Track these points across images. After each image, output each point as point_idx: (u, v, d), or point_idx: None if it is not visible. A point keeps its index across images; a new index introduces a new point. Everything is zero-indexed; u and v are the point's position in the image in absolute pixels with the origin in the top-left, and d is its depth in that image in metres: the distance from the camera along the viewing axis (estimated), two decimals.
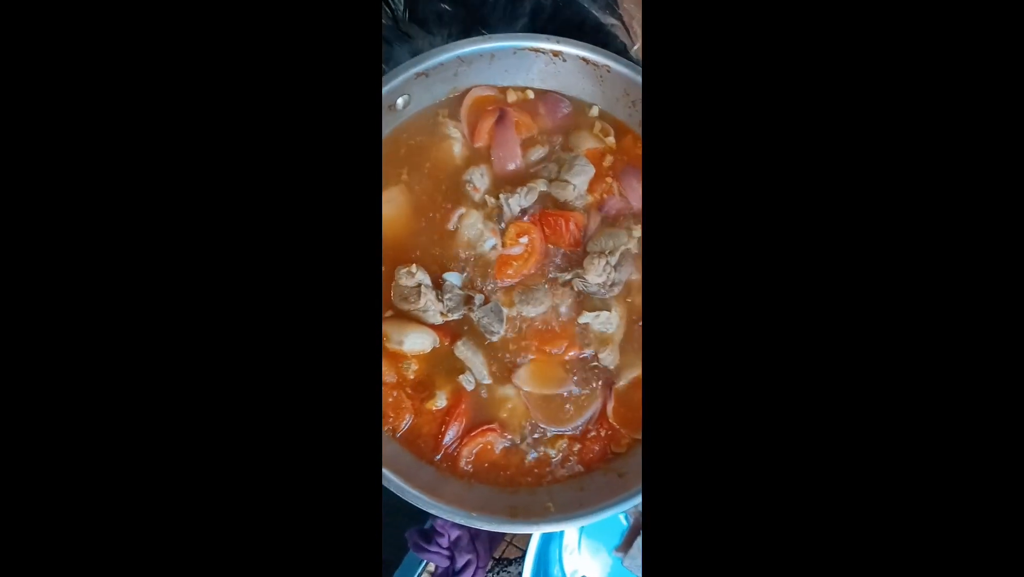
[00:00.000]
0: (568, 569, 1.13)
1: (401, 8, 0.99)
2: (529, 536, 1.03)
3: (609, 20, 0.93)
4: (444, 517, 0.84)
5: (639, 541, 1.13)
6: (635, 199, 1.00)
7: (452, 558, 1.11)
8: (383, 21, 0.96)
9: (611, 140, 1.01)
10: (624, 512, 1.14)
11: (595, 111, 1.02)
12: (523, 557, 1.05)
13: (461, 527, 1.09)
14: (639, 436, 0.94)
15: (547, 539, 1.12)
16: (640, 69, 0.96)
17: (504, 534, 1.16)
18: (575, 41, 0.95)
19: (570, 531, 1.13)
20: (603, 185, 0.98)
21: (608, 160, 1.00)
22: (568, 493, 0.89)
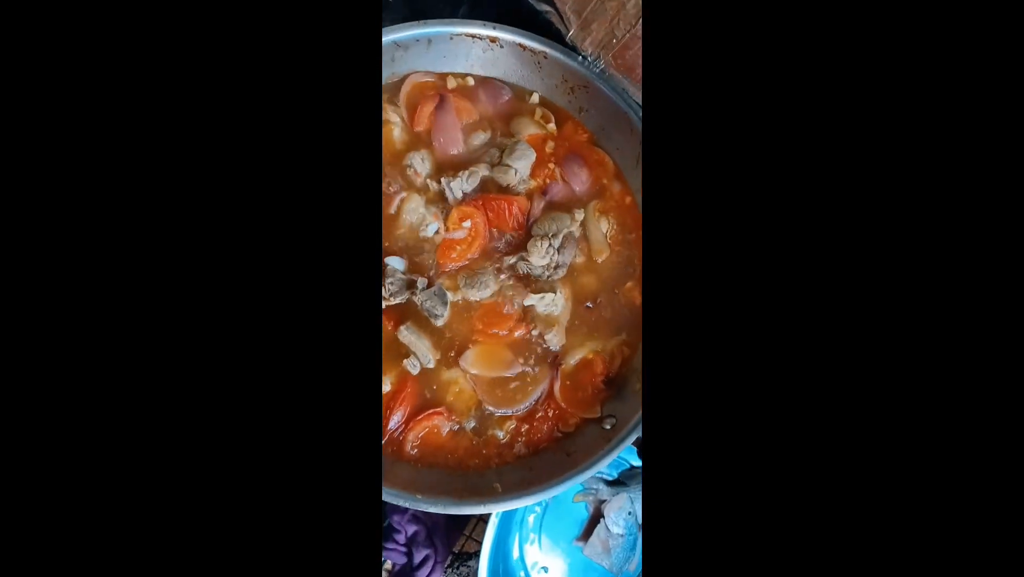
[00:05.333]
0: (528, 561, 1.13)
1: None
2: (486, 530, 1.02)
3: (543, 7, 0.95)
4: (390, 501, 0.83)
5: (599, 529, 1.13)
6: (577, 184, 1.02)
7: (409, 554, 1.09)
8: None
9: (552, 127, 1.03)
10: (586, 503, 1.14)
11: (535, 98, 1.04)
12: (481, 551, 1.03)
13: (418, 522, 1.08)
14: (586, 415, 0.95)
15: (505, 532, 1.11)
16: (576, 56, 0.98)
17: (463, 528, 1.15)
18: (511, 27, 0.97)
19: (530, 523, 1.12)
20: (546, 171, 1.00)
21: (550, 146, 1.02)
22: (516, 473, 0.89)
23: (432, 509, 0.81)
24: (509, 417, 0.92)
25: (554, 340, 0.95)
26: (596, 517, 1.14)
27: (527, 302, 0.93)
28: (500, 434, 0.91)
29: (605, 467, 0.87)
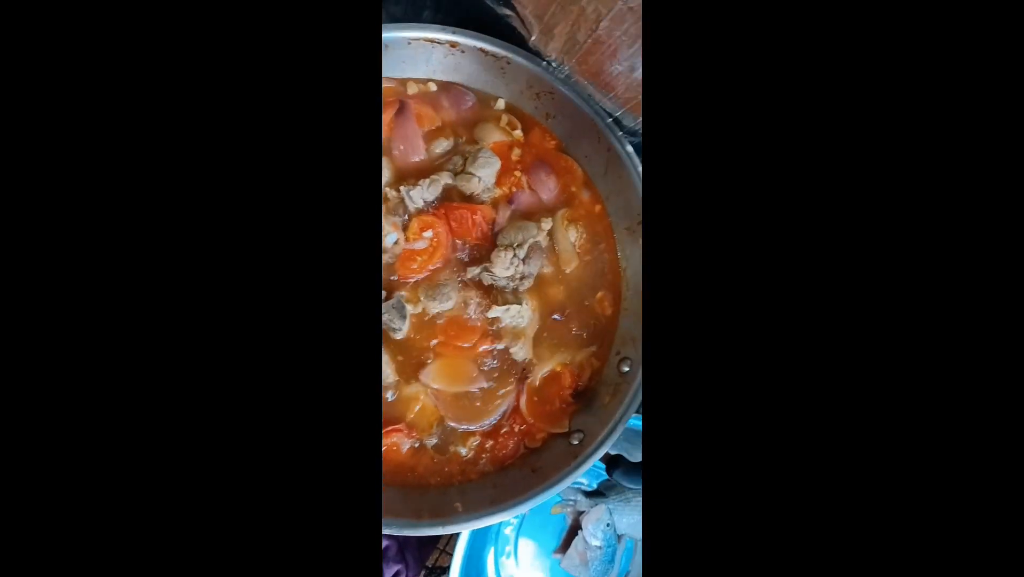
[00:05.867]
0: (504, 575, 1.11)
1: None
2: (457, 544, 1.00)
3: (504, 11, 0.92)
4: None
5: (577, 541, 1.11)
6: (544, 193, 1.00)
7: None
8: None
9: (518, 133, 1.00)
10: (564, 513, 1.12)
11: (501, 104, 1.01)
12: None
13: (389, 537, 1.06)
14: (554, 430, 0.93)
15: (481, 544, 1.09)
16: (541, 62, 0.96)
17: (436, 542, 1.13)
18: (471, 32, 0.94)
19: (507, 535, 1.10)
20: (511, 179, 0.98)
21: (516, 153, 0.99)
22: (480, 491, 0.87)
23: (388, 531, 0.79)
24: (473, 433, 0.90)
25: (520, 353, 0.93)
26: (574, 529, 1.13)
27: (491, 314, 0.91)
28: (463, 451, 0.89)
29: (583, 477, 0.84)
